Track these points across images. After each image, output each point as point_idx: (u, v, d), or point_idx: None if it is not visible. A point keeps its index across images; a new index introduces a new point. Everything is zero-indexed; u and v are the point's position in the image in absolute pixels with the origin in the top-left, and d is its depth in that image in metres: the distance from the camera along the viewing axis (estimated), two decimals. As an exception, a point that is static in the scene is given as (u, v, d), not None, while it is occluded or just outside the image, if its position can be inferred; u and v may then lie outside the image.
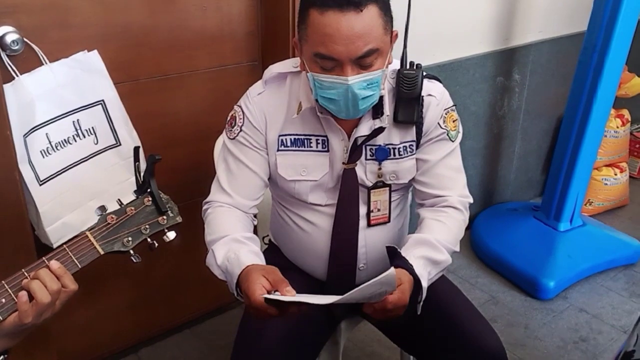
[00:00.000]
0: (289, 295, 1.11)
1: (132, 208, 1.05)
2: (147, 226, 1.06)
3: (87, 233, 1.00)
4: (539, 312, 2.28)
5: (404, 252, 1.26)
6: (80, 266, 0.99)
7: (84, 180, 1.60)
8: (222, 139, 1.44)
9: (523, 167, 2.98)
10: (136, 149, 1.11)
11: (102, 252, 1.01)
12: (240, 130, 1.35)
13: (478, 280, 2.46)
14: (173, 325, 2.12)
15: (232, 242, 1.27)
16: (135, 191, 1.09)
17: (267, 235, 1.61)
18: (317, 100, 1.25)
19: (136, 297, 1.98)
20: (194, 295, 2.11)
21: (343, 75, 1.16)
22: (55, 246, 1.55)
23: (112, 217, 1.03)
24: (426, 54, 2.23)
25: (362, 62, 1.16)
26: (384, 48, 1.19)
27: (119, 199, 1.07)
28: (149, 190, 1.08)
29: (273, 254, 1.53)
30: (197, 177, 1.80)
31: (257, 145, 1.35)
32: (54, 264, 0.95)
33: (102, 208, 1.04)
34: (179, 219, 1.10)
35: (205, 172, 1.60)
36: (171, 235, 1.10)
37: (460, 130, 1.40)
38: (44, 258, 0.96)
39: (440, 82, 1.39)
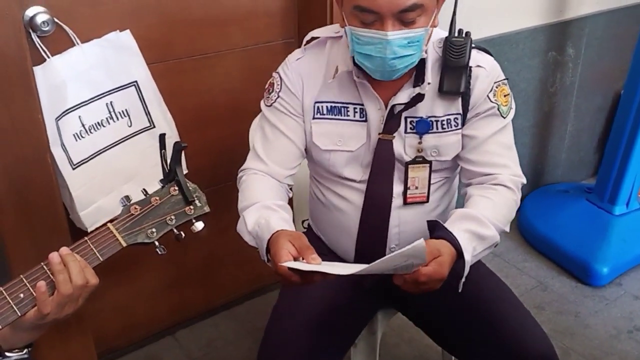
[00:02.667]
0: (314, 263, 1.08)
1: (157, 198, 1.01)
2: (172, 217, 1.02)
3: (109, 225, 0.96)
4: (590, 299, 2.17)
5: (447, 225, 1.18)
6: (101, 259, 0.95)
7: (117, 163, 1.58)
8: (258, 119, 1.39)
9: (575, 147, 2.83)
10: (162, 136, 1.06)
11: (124, 245, 0.97)
12: (278, 96, 1.31)
13: (525, 264, 2.35)
14: (210, 307, 2.10)
15: (263, 209, 1.23)
16: (161, 180, 1.05)
17: (307, 220, 1.56)
18: (353, 60, 1.20)
19: (172, 277, 1.96)
20: (230, 276, 2.09)
21: (382, 30, 1.11)
22: (89, 230, 1.54)
23: (136, 208, 0.99)
24: (472, 28, 2.04)
25: (404, 18, 1.10)
26: (429, 5, 1.12)
27: (144, 189, 1.02)
28: (175, 178, 1.04)
29: (309, 237, 1.47)
30: (231, 158, 1.74)
31: (294, 112, 1.31)
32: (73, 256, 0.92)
33: (127, 198, 1.00)
34: (206, 209, 1.05)
35: (239, 154, 1.55)
36: (199, 225, 1.05)
37: (513, 106, 1.31)
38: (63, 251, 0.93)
39: (491, 55, 1.30)
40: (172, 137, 1.66)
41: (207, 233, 1.07)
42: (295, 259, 1.09)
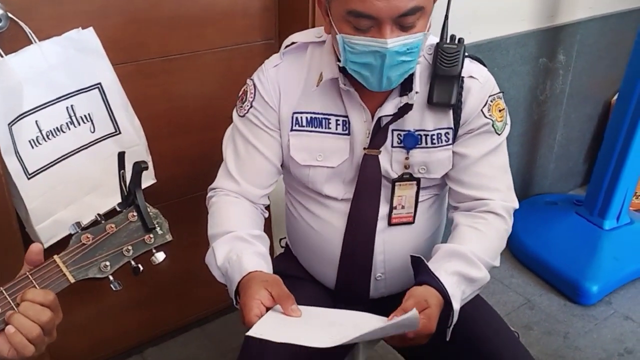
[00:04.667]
0: (294, 315, 0.98)
1: (113, 225, 0.88)
2: (130, 247, 0.89)
3: (56, 257, 0.84)
4: (579, 318, 2.09)
5: (433, 264, 1.08)
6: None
7: (79, 172, 1.46)
8: (230, 128, 1.28)
9: (564, 156, 2.75)
10: (120, 155, 0.93)
11: (73, 281, 0.84)
12: (251, 106, 1.19)
13: (512, 280, 2.27)
14: (181, 324, 1.99)
15: (236, 241, 1.12)
16: (118, 204, 0.93)
17: (285, 238, 1.45)
18: (343, 70, 1.08)
19: (141, 294, 1.84)
20: (204, 291, 1.96)
21: (381, 37, 0.99)
22: (46, 246, 1.41)
23: (88, 237, 0.86)
24: (462, 32, 1.96)
25: (404, 22, 0.99)
26: (428, 7, 1.01)
27: (97, 214, 0.90)
28: (135, 202, 0.91)
29: (287, 259, 1.37)
30: (205, 167, 1.63)
31: (269, 125, 1.19)
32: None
33: (78, 225, 0.87)
34: (168, 237, 0.93)
35: (214, 162, 1.44)
36: (160, 256, 0.93)
37: (508, 122, 1.21)
38: (1, 288, 0.80)
39: (484, 65, 1.19)
40: (140, 145, 1.55)
41: (168, 263, 0.95)
42: (269, 309, 0.98)
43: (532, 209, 2.50)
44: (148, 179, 1.60)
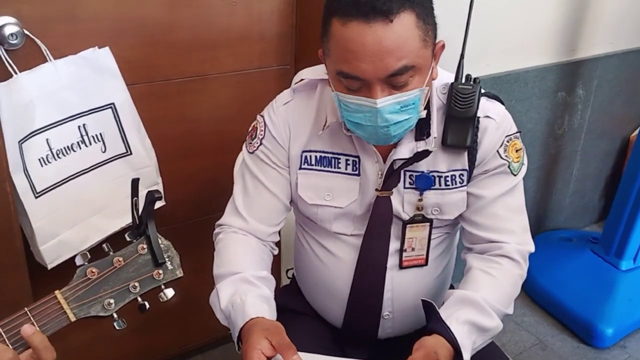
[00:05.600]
0: None
1: (121, 259, 0.85)
2: (136, 283, 0.86)
3: (57, 293, 0.80)
4: (592, 362, 2.02)
5: (444, 311, 1.04)
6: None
7: (87, 192, 1.44)
8: (240, 161, 1.26)
9: (580, 192, 2.70)
10: (134, 182, 0.91)
11: (73, 319, 0.81)
12: (261, 143, 1.17)
13: (524, 319, 2.20)
14: (181, 351, 1.94)
15: (241, 283, 1.08)
16: (128, 234, 0.90)
17: (292, 269, 1.41)
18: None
19: (141, 319, 1.79)
20: (206, 318, 1.91)
21: (371, 97, 0.96)
22: (50, 267, 1.39)
23: (93, 272, 0.83)
24: (479, 64, 2.00)
25: (394, 82, 0.96)
26: (422, 64, 0.97)
27: (106, 244, 0.87)
28: (146, 233, 0.88)
29: (292, 292, 1.34)
30: (216, 191, 1.62)
31: (278, 163, 1.17)
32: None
33: (84, 256, 0.84)
34: (179, 273, 0.90)
35: (225, 187, 1.43)
36: (169, 293, 0.90)
37: (525, 162, 1.17)
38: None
39: (502, 102, 1.16)
40: (150, 166, 1.53)
41: (177, 299, 0.92)
42: (270, 359, 0.94)
43: (546, 245, 2.44)
44: (157, 201, 1.57)
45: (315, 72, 1.17)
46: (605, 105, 2.52)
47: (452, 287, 1.33)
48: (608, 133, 2.64)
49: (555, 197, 2.62)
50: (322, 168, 1.16)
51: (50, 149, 1.36)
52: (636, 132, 2.62)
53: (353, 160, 1.14)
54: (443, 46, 1.04)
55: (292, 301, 1.30)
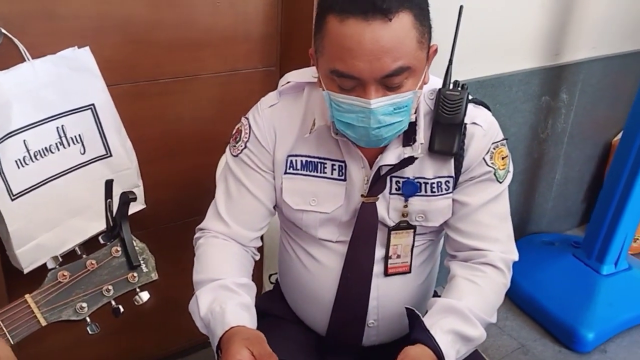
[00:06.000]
0: None
1: (94, 262, 0.83)
2: (110, 287, 0.84)
3: (27, 297, 0.78)
4: (573, 366, 2.03)
5: (428, 320, 1.03)
6: (12, 342, 0.77)
7: (65, 194, 1.40)
8: (223, 164, 1.23)
9: (562, 195, 2.72)
10: (108, 183, 0.88)
11: (44, 323, 0.79)
12: (245, 146, 1.14)
13: (506, 323, 2.21)
14: (162, 354, 1.91)
15: (221, 290, 1.06)
16: (102, 236, 0.87)
17: (275, 274, 1.39)
18: (333, 123, 1.03)
19: (121, 320, 1.76)
20: (187, 321, 1.88)
21: (365, 97, 0.94)
22: (26, 271, 1.36)
23: (65, 275, 0.81)
24: (464, 68, 1.99)
25: (389, 82, 0.94)
26: (417, 66, 0.96)
27: (78, 245, 0.85)
28: (120, 236, 0.86)
29: (275, 298, 1.32)
30: (198, 192, 1.60)
31: (263, 167, 1.14)
32: None
33: (56, 259, 0.82)
34: (154, 276, 0.88)
35: (208, 189, 1.40)
36: (144, 296, 0.88)
37: (511, 169, 1.16)
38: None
39: (489, 109, 1.15)
40: (131, 168, 1.50)
41: (153, 302, 0.90)
42: None
43: (529, 249, 2.45)
44: (137, 204, 1.54)
45: (302, 75, 1.15)
46: (589, 109, 2.54)
47: (435, 293, 1.32)
48: (591, 137, 2.65)
49: (538, 201, 2.62)
50: (308, 173, 1.14)
51: (28, 151, 1.32)
52: (618, 136, 2.64)
53: (339, 165, 1.12)
54: (436, 50, 1.03)
55: (274, 307, 1.29)
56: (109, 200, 0.90)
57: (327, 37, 0.94)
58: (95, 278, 0.84)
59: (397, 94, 0.96)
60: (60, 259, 0.83)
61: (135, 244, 0.88)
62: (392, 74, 0.93)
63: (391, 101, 0.96)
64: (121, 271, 0.86)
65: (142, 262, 0.88)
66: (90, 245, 0.90)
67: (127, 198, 0.86)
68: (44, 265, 1.36)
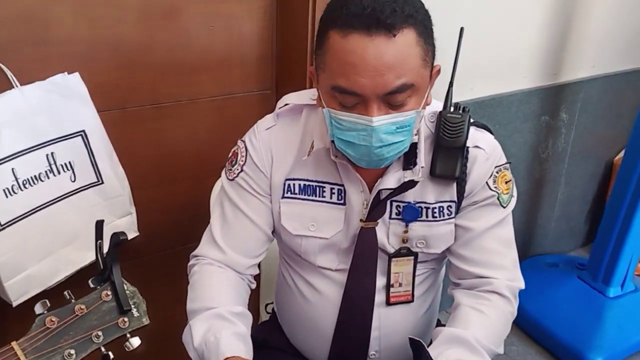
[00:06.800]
0: None
1: (83, 306, 0.79)
2: (99, 332, 0.80)
3: (14, 344, 0.74)
4: (582, 392, 1.97)
5: (433, 351, 0.99)
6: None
7: (56, 224, 1.36)
8: (218, 189, 1.20)
9: (565, 216, 2.68)
10: (99, 224, 0.85)
11: None
12: (241, 170, 1.11)
13: (512, 348, 2.16)
14: (159, 386, 1.85)
15: (215, 319, 1.02)
16: (92, 280, 0.83)
17: (272, 303, 1.34)
18: (333, 142, 1.00)
19: (118, 352, 1.72)
20: (183, 351, 1.84)
21: (367, 115, 0.91)
22: (15, 304, 1.31)
23: (53, 320, 0.77)
24: (463, 88, 1.98)
25: (392, 100, 0.91)
26: (421, 84, 0.93)
27: (68, 291, 0.81)
28: (110, 279, 0.82)
29: (272, 328, 1.27)
30: (193, 219, 1.56)
31: (260, 191, 1.11)
32: None
33: (44, 304, 0.78)
34: (145, 321, 0.85)
35: (203, 214, 1.37)
36: (135, 342, 0.84)
37: (515, 194, 1.13)
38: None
39: (491, 132, 1.12)
40: (124, 195, 1.46)
41: (144, 348, 0.85)
42: None
43: (533, 271, 2.40)
44: (130, 232, 1.50)
45: (300, 98, 1.12)
46: (589, 128, 2.51)
47: (439, 322, 1.27)
48: (592, 156, 2.63)
49: (541, 221, 2.59)
50: (306, 197, 1.10)
51: (16, 179, 1.28)
52: (620, 154, 2.61)
53: (338, 189, 1.09)
54: (439, 71, 1.01)
55: (271, 338, 1.24)
56: (99, 241, 0.87)
57: (329, 52, 0.91)
58: (85, 323, 0.80)
59: (400, 112, 0.93)
60: (49, 304, 0.79)
61: (126, 287, 0.84)
62: (395, 91, 0.90)
63: (393, 119, 0.93)
64: (111, 316, 0.82)
65: (133, 306, 0.84)
66: (79, 288, 0.86)
67: (118, 239, 0.82)
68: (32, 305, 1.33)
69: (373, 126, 0.92)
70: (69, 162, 1.36)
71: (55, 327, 0.77)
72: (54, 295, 1.31)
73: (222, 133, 1.65)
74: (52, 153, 1.33)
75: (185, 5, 1.47)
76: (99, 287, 0.81)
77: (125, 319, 0.82)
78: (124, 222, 1.48)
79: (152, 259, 1.67)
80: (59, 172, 1.35)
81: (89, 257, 1.42)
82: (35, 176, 1.31)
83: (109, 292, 0.81)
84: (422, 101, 0.96)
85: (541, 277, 2.38)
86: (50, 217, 1.35)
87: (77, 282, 1.31)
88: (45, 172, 1.33)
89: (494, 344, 1.04)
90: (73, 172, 1.37)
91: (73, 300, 0.79)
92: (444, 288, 1.26)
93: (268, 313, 1.36)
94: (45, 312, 0.77)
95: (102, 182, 1.41)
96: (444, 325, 1.08)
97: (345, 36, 0.88)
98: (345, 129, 0.95)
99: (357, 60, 0.88)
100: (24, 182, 1.30)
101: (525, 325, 2.23)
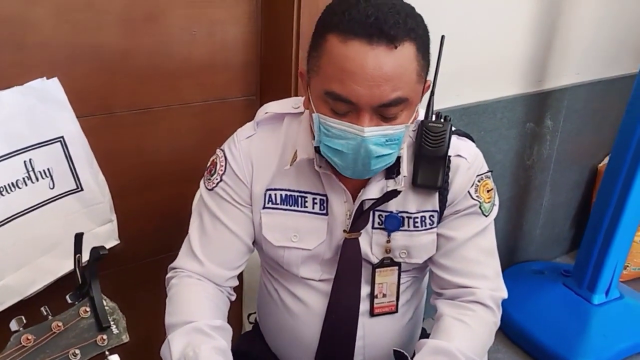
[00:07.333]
0: None
1: (60, 323, 0.77)
2: (77, 351, 0.77)
3: None
4: (567, 400, 1.97)
5: None
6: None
7: (34, 232, 1.33)
8: (197, 200, 1.17)
9: (550, 222, 2.68)
10: (78, 237, 0.82)
11: None
12: (221, 179, 1.09)
13: (497, 355, 2.15)
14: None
15: (194, 333, 0.99)
16: (70, 295, 0.81)
17: (254, 313, 1.32)
18: (317, 150, 0.98)
19: (98, 363, 1.68)
20: (167, 361, 1.81)
21: (358, 124, 0.90)
22: (-10, 315, 1.28)
23: (29, 339, 0.74)
24: (448, 95, 1.97)
25: (385, 112, 0.90)
26: (414, 99, 0.92)
27: (45, 307, 0.78)
28: (90, 295, 0.80)
29: (254, 339, 1.25)
30: (176, 226, 1.52)
31: (240, 201, 1.08)
32: None
33: (20, 321, 0.75)
34: (125, 338, 0.82)
35: (186, 223, 1.34)
36: (114, 359, 0.81)
37: (497, 202, 1.12)
38: None
39: (473, 140, 1.11)
40: (104, 202, 1.43)
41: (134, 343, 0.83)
42: None
43: (518, 278, 2.41)
44: (111, 239, 1.48)
45: (282, 106, 1.11)
46: (574, 135, 2.52)
47: (424, 331, 1.26)
48: (577, 163, 2.63)
49: (526, 228, 2.59)
50: (288, 207, 1.08)
51: (-7, 186, 1.25)
52: (605, 161, 2.62)
53: (320, 199, 1.07)
54: (429, 86, 1.00)
55: (254, 348, 1.22)
56: (78, 255, 0.84)
57: (326, 56, 0.89)
58: (62, 341, 0.77)
59: (391, 125, 0.92)
60: (25, 321, 0.76)
61: (105, 303, 0.82)
62: (390, 104, 0.89)
63: (384, 132, 0.92)
64: (90, 333, 0.79)
65: (112, 323, 0.82)
66: (56, 304, 0.83)
67: (98, 254, 0.80)
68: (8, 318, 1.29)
69: (364, 136, 0.90)
70: (48, 169, 1.33)
71: (31, 345, 0.74)
72: (30, 305, 1.28)
73: (206, 139, 1.62)
74: (30, 159, 1.30)
75: (167, 9, 1.45)
76: (77, 302, 0.79)
77: (104, 337, 0.80)
78: (105, 229, 1.46)
79: (133, 268, 1.64)
80: (37, 179, 1.32)
81: (68, 265, 1.39)
82: (12, 183, 1.28)
83: (88, 309, 0.79)
84: (412, 116, 0.95)
85: (526, 284, 2.38)
86: (28, 225, 1.31)
87: (54, 294, 1.28)
88: (23, 178, 1.30)
89: (478, 355, 1.03)
90: (52, 179, 1.34)
91: (50, 317, 0.76)
92: (427, 296, 1.25)
93: (251, 323, 1.34)
94: (21, 329, 0.74)
95: (82, 189, 1.38)
96: (429, 334, 1.07)
97: (345, 42, 0.87)
98: (333, 136, 0.93)
99: (355, 68, 0.86)
100: (1, 189, 1.26)
101: (510, 332, 2.22)
